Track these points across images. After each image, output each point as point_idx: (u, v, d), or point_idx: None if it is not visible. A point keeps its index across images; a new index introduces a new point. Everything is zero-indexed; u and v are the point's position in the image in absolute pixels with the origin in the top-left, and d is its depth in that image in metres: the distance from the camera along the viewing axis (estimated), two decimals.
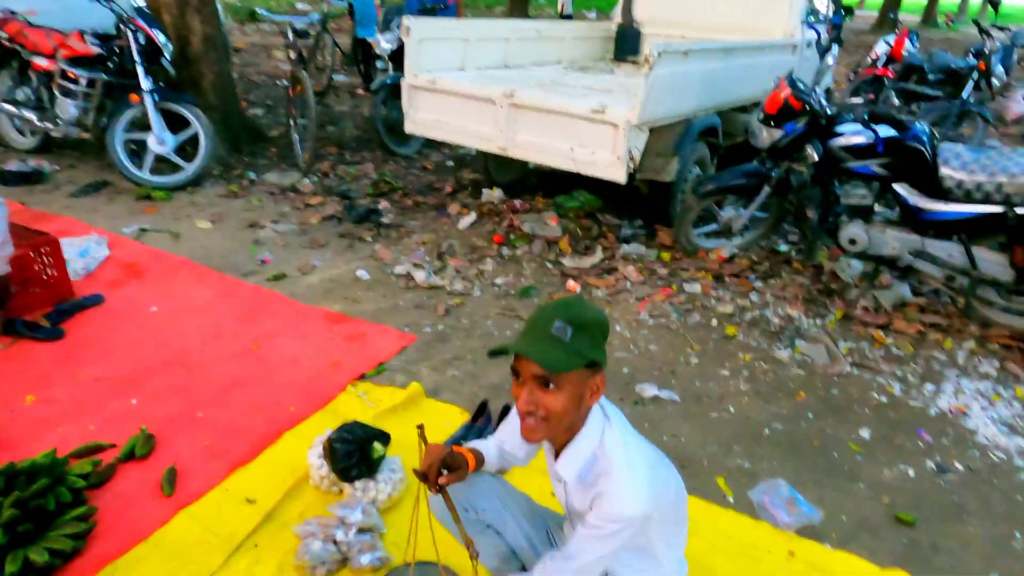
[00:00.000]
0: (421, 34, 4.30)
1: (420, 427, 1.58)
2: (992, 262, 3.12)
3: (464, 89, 4.10)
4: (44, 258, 3.18)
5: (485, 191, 4.92)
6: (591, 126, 3.58)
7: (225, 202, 4.67)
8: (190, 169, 4.76)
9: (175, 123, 4.71)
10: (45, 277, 3.18)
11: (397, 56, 6.03)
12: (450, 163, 5.95)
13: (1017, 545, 2.09)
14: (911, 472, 2.39)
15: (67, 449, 2.24)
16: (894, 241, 3.30)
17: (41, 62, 4.71)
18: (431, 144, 6.07)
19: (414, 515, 1.56)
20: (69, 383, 2.66)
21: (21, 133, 5.33)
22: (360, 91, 8.38)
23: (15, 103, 4.94)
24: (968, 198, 3.04)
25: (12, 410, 2.48)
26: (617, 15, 6.10)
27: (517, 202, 4.75)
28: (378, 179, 5.27)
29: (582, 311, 1.24)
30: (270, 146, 5.94)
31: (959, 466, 2.43)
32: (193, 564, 1.88)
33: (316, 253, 3.98)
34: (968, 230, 3.11)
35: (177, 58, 5.00)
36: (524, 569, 1.59)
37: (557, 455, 1.37)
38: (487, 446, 1.61)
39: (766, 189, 3.69)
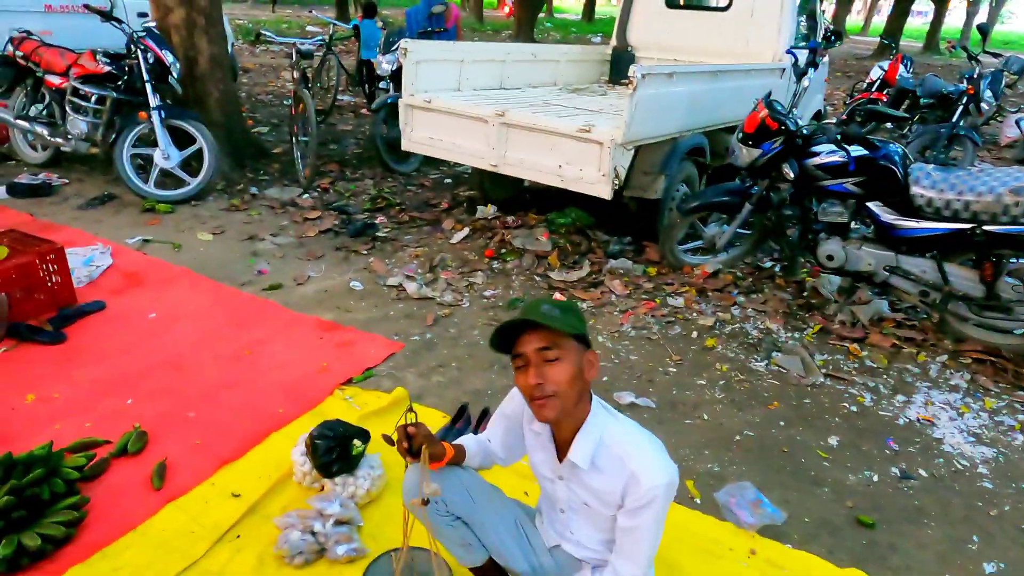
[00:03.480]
0: (418, 56, 4.47)
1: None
2: (963, 278, 3.21)
3: (457, 108, 4.25)
4: (49, 265, 3.31)
5: (479, 208, 5.06)
6: (578, 144, 3.71)
7: (226, 215, 4.82)
8: (194, 183, 4.92)
9: (181, 139, 4.88)
10: (50, 284, 3.31)
11: (398, 77, 6.22)
12: (447, 181, 6.10)
13: (972, 548, 2.16)
14: (875, 477, 2.47)
15: (63, 444, 2.35)
16: (869, 257, 3.40)
17: (54, 80, 4.91)
18: (430, 162, 6.23)
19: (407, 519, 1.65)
20: (67, 383, 2.77)
21: (33, 148, 5.52)
22: (364, 111, 8.58)
23: (28, 119, 5.13)
24: (938, 216, 3.14)
25: (12, 407, 2.59)
26: (613, 40, 6.27)
27: (510, 218, 4.88)
28: (376, 195, 5.42)
29: (559, 302, 1.40)
30: (273, 163, 6.11)
31: (923, 472, 2.51)
32: (178, 552, 1.98)
33: (312, 265, 4.10)
34: (939, 247, 3.20)
35: (185, 77, 5.19)
36: (491, 559, 1.68)
37: (560, 451, 1.47)
38: (469, 442, 1.70)
39: (747, 207, 3.80)
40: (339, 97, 8.77)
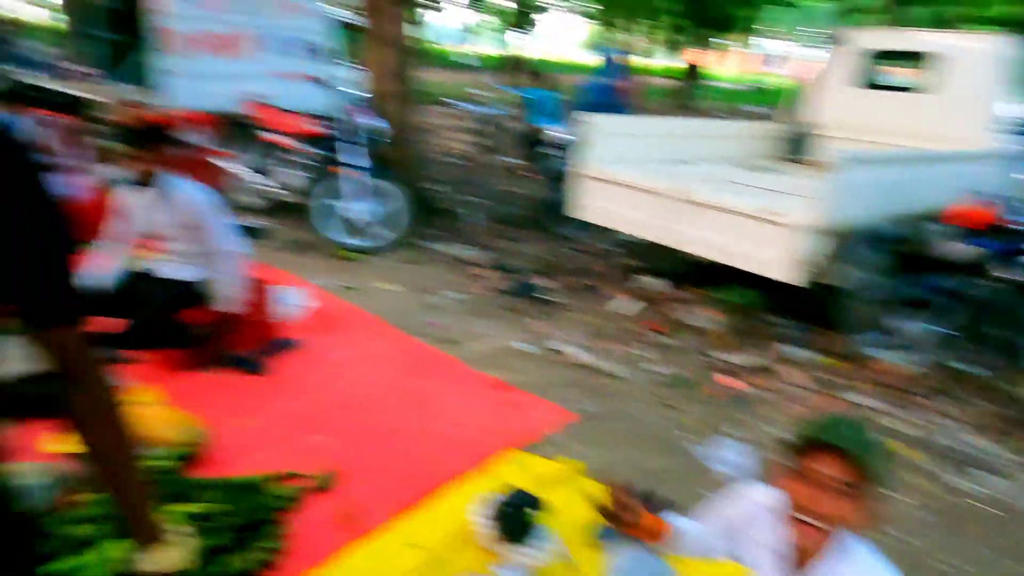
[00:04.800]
0: (596, 128, 4.61)
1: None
2: None
3: (635, 182, 4.31)
4: (258, 303, 3.69)
5: (643, 277, 5.04)
6: (763, 226, 3.61)
7: (405, 268, 5.17)
8: (384, 237, 5.37)
9: (376, 195, 5.36)
10: (256, 319, 3.68)
11: (567, 145, 6.44)
12: (610, 248, 6.14)
13: None
14: None
15: (264, 472, 2.54)
16: None
17: (276, 137, 5.59)
18: (594, 229, 6.31)
19: None
20: (266, 414, 3.03)
21: (252, 195, 6.26)
22: (528, 174, 8.91)
23: (251, 170, 5.86)
24: None
25: (221, 431, 2.87)
26: (788, 115, 6.12)
27: (676, 291, 4.81)
28: (541, 257, 5.57)
29: (874, 436, 1.28)
30: (445, 219, 6.49)
31: None
32: None
33: (480, 322, 4.26)
34: None
35: (386, 139, 5.73)
36: None
37: (800, 558, 1.38)
38: (679, 522, 1.62)
39: (951, 303, 3.47)
40: (504, 159, 9.20)
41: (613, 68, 7.07)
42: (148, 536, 0.98)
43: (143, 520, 0.99)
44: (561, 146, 6.61)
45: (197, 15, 6.18)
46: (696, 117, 11.19)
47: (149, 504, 1.00)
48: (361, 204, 5.26)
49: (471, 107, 6.08)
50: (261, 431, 2.89)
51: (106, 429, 0.95)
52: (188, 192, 3.16)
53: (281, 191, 5.58)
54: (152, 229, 3.29)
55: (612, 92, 6.72)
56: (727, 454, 2.90)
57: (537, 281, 4.98)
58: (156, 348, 3.26)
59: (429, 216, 6.44)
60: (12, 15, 16.64)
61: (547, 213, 6.15)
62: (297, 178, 5.46)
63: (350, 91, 5.58)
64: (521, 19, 28.29)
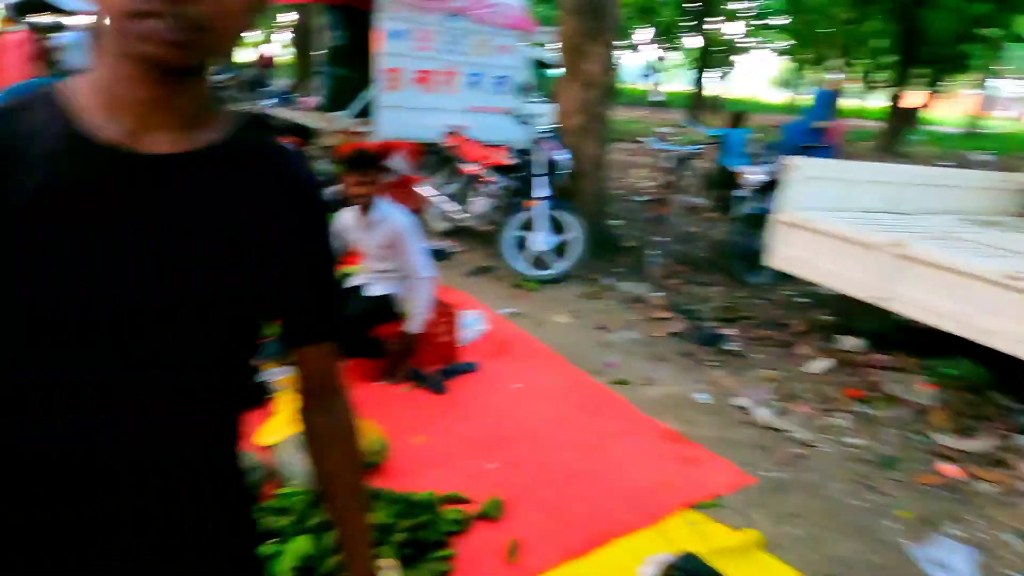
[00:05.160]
0: (802, 172, 4.29)
1: None
2: None
3: (844, 232, 3.93)
4: (444, 323, 3.84)
5: (842, 337, 4.55)
6: (1005, 293, 3.10)
7: (581, 302, 5.13)
8: (560, 268, 5.40)
9: (558, 227, 5.43)
10: (441, 340, 3.84)
11: (765, 189, 6.07)
12: (802, 300, 5.66)
13: None
14: None
15: (436, 492, 2.59)
16: None
17: (468, 167, 5.89)
18: (783, 278, 5.87)
19: None
20: (442, 433, 3.11)
21: (442, 220, 6.65)
22: (714, 215, 8.56)
23: (443, 196, 6.22)
24: None
25: (402, 444, 2.98)
26: None
27: (880, 356, 4.28)
28: (726, 305, 5.27)
29: None
30: (624, 256, 6.39)
31: None
32: None
33: (657, 366, 4.09)
34: None
35: (571, 173, 5.80)
36: None
37: None
38: None
39: None
40: (690, 199, 8.92)
41: (820, 108, 6.61)
42: (361, 568, 0.95)
43: (360, 550, 0.96)
44: (754, 188, 6.27)
45: (411, 54, 6.74)
46: (911, 163, 10.12)
47: (369, 534, 0.99)
48: (544, 235, 5.34)
49: (659, 145, 6.00)
50: (436, 449, 2.97)
51: (342, 452, 0.95)
52: (394, 215, 3.39)
53: (470, 218, 5.84)
54: (358, 247, 3.57)
55: (817, 134, 6.26)
56: (948, 558, 2.47)
57: (724, 330, 4.70)
58: (348, 357, 3.49)
59: (609, 252, 6.39)
60: (269, 55, 19.66)
61: (734, 258, 5.82)
62: (486, 206, 5.69)
63: (541, 126, 5.73)
64: (714, 58, 27.68)
